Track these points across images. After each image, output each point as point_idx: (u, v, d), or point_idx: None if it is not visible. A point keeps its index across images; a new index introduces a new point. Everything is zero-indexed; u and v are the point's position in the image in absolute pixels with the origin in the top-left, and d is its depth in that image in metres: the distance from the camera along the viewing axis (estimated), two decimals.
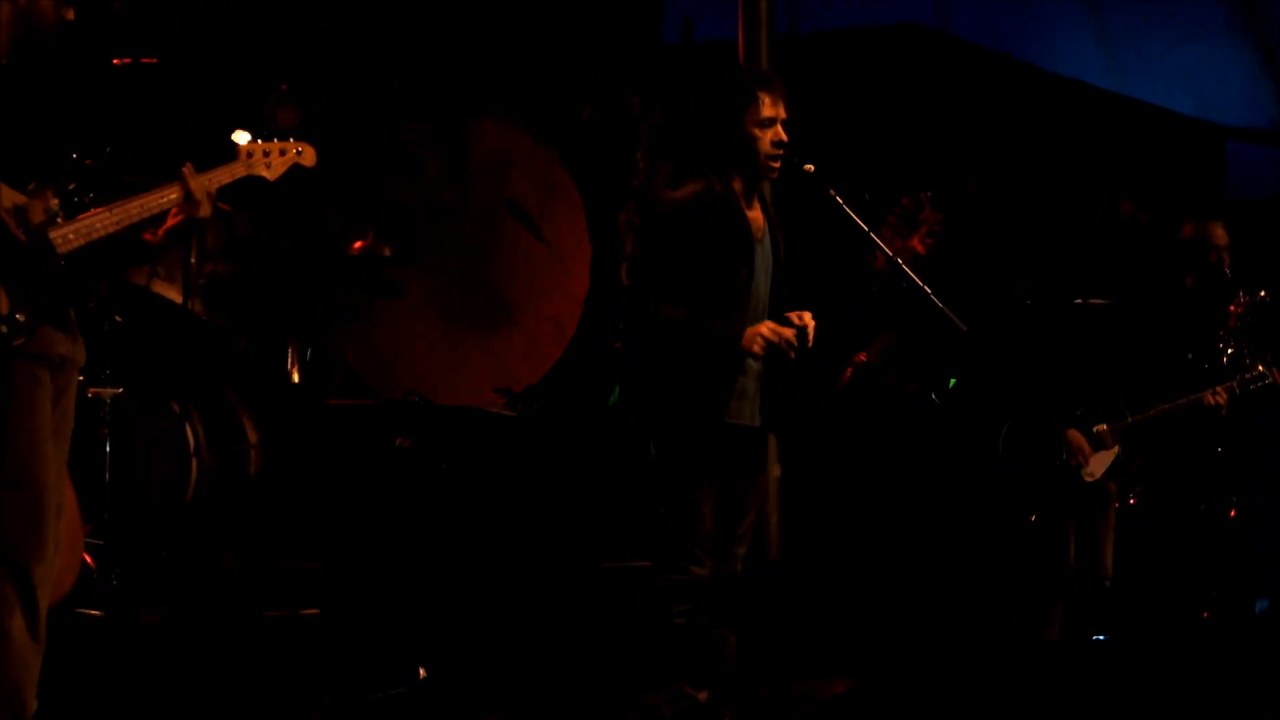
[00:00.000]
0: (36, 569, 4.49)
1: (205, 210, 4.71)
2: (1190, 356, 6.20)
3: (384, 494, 6.47)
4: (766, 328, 4.88)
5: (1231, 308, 6.18)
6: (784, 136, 5.03)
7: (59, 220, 4.51)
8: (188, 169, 4.59)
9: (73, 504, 5.10)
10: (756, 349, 4.87)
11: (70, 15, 4.48)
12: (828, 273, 5.69)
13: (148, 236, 4.88)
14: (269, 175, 4.76)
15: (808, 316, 4.95)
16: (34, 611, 4.45)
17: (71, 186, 4.66)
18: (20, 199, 4.33)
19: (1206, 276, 6.26)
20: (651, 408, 5.05)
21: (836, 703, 5.95)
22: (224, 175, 4.71)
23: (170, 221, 4.80)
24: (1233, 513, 6.40)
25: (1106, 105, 8.47)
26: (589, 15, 7.59)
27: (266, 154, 4.75)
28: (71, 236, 4.48)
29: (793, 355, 4.87)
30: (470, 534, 6.44)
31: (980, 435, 6.27)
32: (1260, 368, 6.02)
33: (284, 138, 4.84)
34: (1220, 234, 6.32)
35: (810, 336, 4.91)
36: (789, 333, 4.87)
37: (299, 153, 4.80)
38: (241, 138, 4.86)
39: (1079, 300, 6.29)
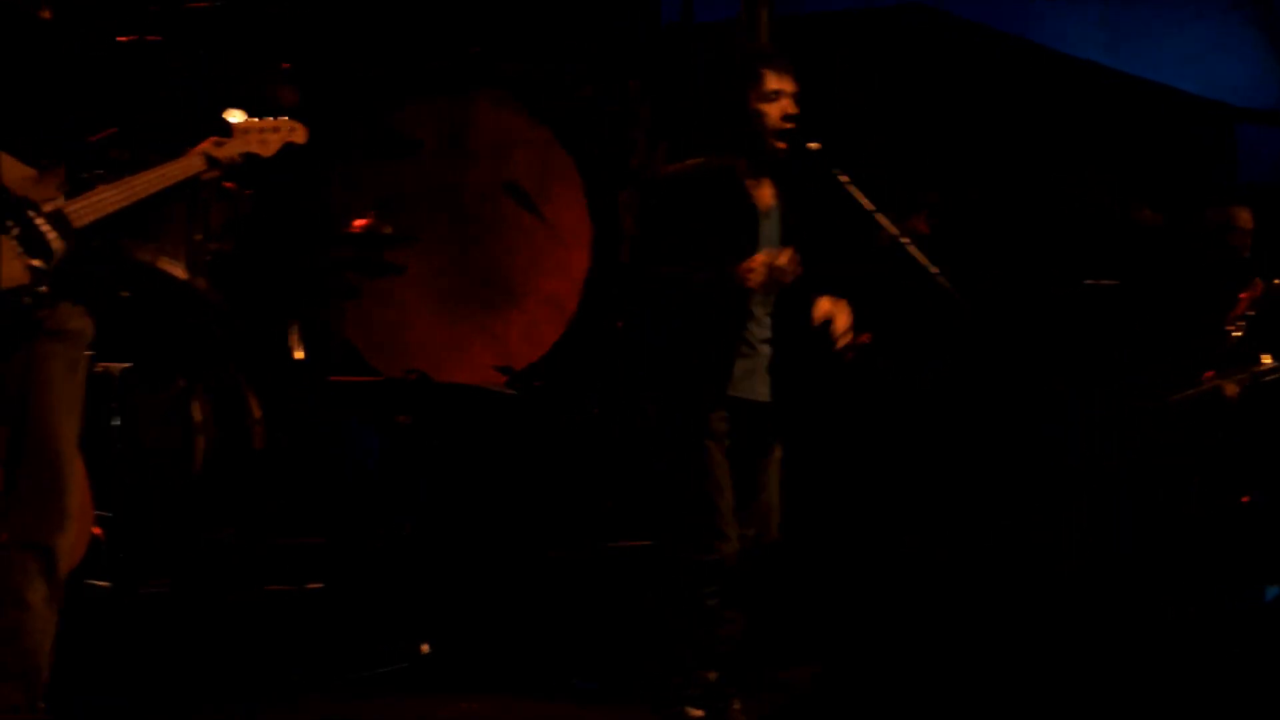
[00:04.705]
0: (58, 539, 4.81)
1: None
2: (1199, 343, 6.45)
3: (386, 470, 6.91)
4: (758, 258, 5.13)
5: (1243, 294, 6.41)
6: (792, 110, 5.27)
7: (71, 195, 4.95)
8: (211, 143, 5.01)
9: (83, 477, 5.50)
10: (753, 281, 5.12)
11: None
12: (832, 253, 5.96)
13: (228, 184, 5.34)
14: (264, 152, 5.11)
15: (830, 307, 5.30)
16: (54, 581, 4.81)
17: (79, 164, 5.10)
18: (35, 175, 4.73)
19: (1224, 261, 6.51)
20: (658, 383, 5.36)
21: (828, 685, 6.28)
22: (231, 150, 5.08)
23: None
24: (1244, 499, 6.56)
25: (1113, 85, 8.78)
26: None
27: (261, 130, 5.11)
28: (85, 211, 4.89)
29: (787, 281, 5.14)
30: (474, 511, 6.88)
31: (983, 419, 6.63)
32: (1269, 359, 6.25)
33: (281, 116, 5.28)
34: (1245, 218, 6.59)
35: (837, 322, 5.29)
36: (784, 259, 5.11)
37: (291, 130, 5.16)
38: (235, 116, 5.17)
39: (1088, 281, 6.65)
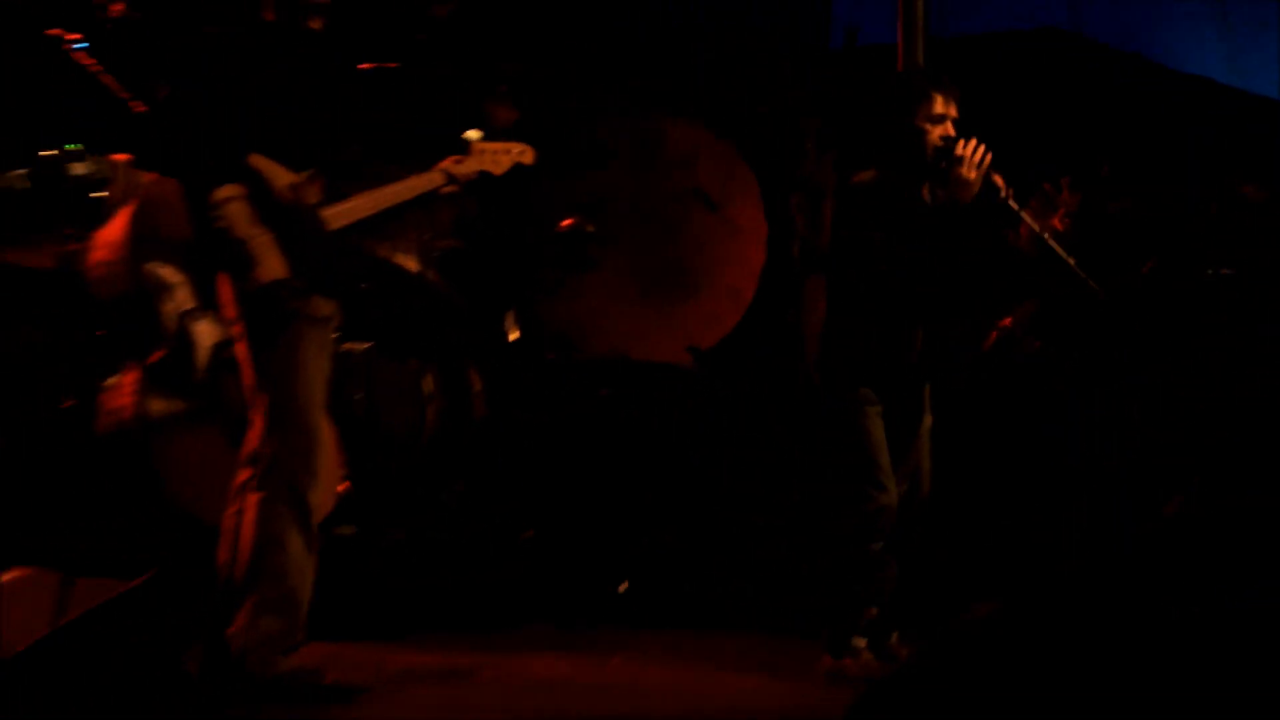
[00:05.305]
0: (311, 495, 5.41)
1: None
2: None
3: (588, 434, 7.44)
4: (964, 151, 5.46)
5: None
6: (951, 132, 5.65)
7: (327, 202, 5.43)
8: (451, 161, 5.64)
9: (332, 441, 5.83)
10: (968, 172, 5.45)
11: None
12: (974, 246, 6.04)
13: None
14: (496, 170, 5.71)
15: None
16: (309, 530, 5.40)
17: (335, 174, 5.55)
18: (298, 182, 5.36)
19: None
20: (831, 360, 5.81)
21: (982, 623, 6.67)
22: (468, 168, 5.69)
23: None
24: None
25: (1232, 102, 9.04)
26: (763, 26, 8.52)
27: (495, 152, 5.69)
28: (339, 217, 5.45)
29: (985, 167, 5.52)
30: (668, 471, 7.36)
31: (983, 418, 6.81)
32: None
33: (504, 136, 5.76)
34: None
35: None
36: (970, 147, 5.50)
37: (521, 153, 5.73)
38: (474, 136, 5.69)
39: (1211, 271, 6.85)
